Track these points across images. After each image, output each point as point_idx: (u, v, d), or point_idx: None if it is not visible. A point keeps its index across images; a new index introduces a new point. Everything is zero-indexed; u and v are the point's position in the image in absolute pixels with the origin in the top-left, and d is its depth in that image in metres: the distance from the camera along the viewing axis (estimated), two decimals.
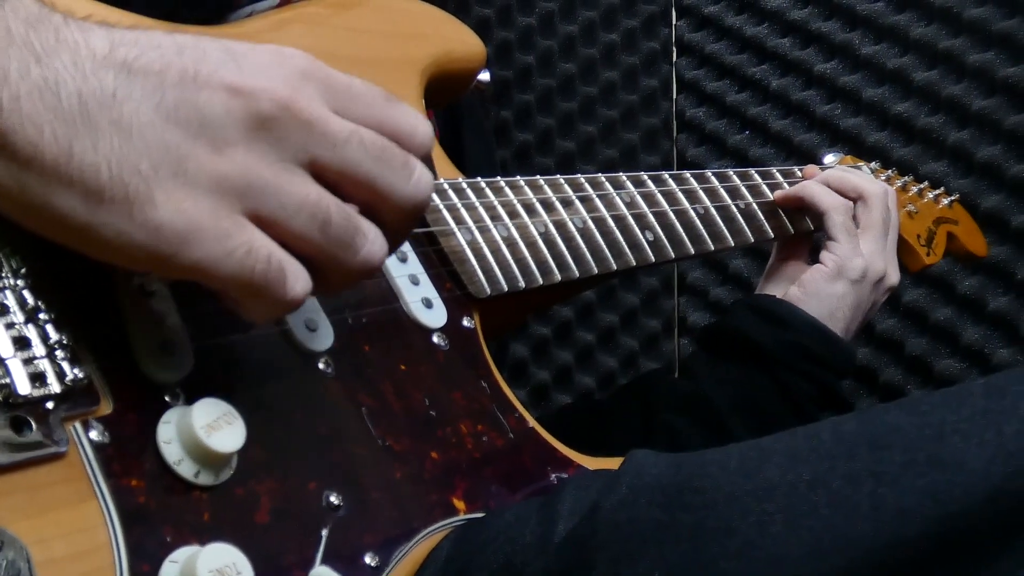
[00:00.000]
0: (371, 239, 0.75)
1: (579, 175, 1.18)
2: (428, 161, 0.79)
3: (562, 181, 1.16)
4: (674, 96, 2.09)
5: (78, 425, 0.70)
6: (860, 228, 1.36)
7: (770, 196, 1.38)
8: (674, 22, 2.09)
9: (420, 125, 0.78)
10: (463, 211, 1.05)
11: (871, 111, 1.87)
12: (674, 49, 2.09)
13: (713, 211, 1.28)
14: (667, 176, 1.27)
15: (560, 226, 1.11)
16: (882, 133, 1.85)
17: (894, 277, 1.38)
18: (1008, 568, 0.69)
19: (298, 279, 0.71)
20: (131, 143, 0.66)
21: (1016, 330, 1.69)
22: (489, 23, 2.11)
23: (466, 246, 1.02)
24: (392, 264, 0.97)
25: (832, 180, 1.40)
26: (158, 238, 0.66)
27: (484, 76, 1.29)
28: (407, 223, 0.79)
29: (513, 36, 2.11)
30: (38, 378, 0.69)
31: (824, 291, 1.31)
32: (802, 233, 1.41)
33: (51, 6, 0.67)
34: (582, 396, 2.06)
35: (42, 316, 0.71)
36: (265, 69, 0.72)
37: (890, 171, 1.56)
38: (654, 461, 0.84)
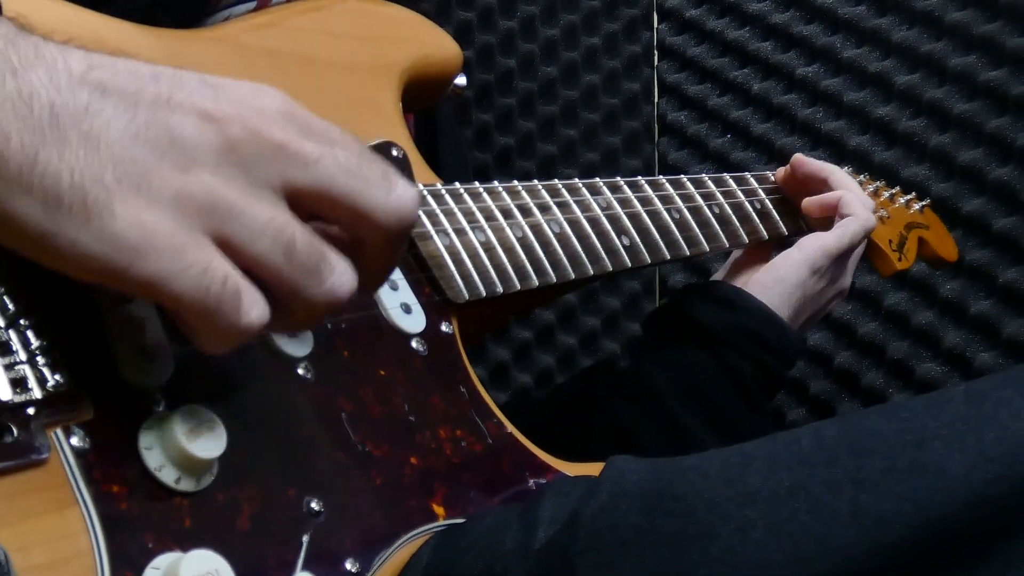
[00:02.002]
0: (338, 271, 0.72)
1: (556, 180, 1.19)
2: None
3: (539, 187, 1.16)
4: (656, 99, 2.09)
5: (59, 431, 0.70)
6: None
7: (744, 201, 1.38)
8: (655, 25, 2.09)
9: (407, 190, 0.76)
10: (441, 216, 1.05)
11: (853, 114, 1.87)
12: (656, 53, 2.10)
13: (688, 216, 1.29)
14: (643, 181, 1.27)
15: (537, 231, 1.11)
16: (864, 136, 1.85)
17: (847, 283, 1.41)
18: (989, 574, 0.70)
19: (254, 305, 0.69)
20: (97, 155, 0.65)
21: (998, 334, 1.69)
22: (470, 27, 2.11)
23: (444, 251, 1.03)
24: None
25: (833, 176, 1.44)
26: (113, 248, 0.65)
27: (461, 80, 1.29)
28: (390, 244, 0.76)
29: (494, 40, 2.11)
30: (19, 383, 0.69)
31: (792, 278, 1.32)
32: (776, 238, 1.41)
33: (30, 28, 0.67)
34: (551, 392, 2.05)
35: (23, 322, 0.71)
36: (240, 100, 0.71)
37: (862, 176, 1.57)
38: (635, 468, 0.84)
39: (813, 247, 1.34)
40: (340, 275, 0.72)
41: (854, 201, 1.40)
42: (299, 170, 0.70)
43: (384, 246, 0.76)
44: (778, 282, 1.31)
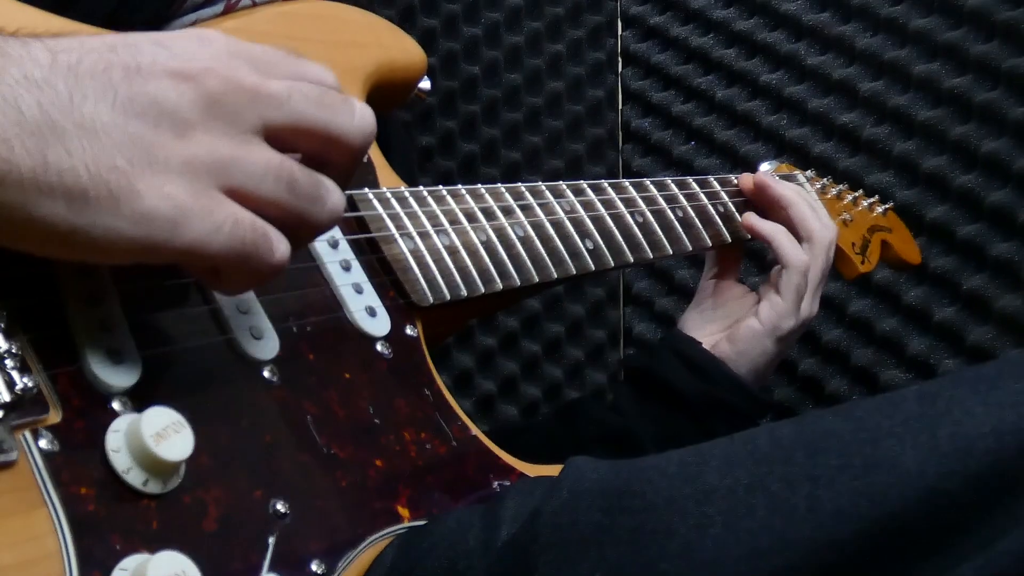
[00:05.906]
0: (332, 189, 0.79)
1: (520, 184, 1.19)
2: None
3: (503, 190, 1.17)
4: (620, 106, 2.09)
5: (27, 434, 0.71)
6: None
7: (707, 204, 1.40)
8: (619, 32, 2.10)
9: (326, 73, 0.82)
10: (405, 219, 1.06)
11: (817, 122, 1.87)
12: (620, 59, 2.10)
13: (651, 219, 1.30)
14: (606, 184, 1.29)
15: (501, 235, 1.12)
16: (828, 144, 1.85)
17: (814, 312, 1.43)
18: (943, 566, 0.71)
19: (281, 241, 0.75)
20: (100, 142, 0.68)
21: (962, 341, 1.69)
22: (434, 34, 2.11)
23: (408, 255, 1.03)
24: (336, 273, 0.98)
25: (792, 209, 1.43)
26: (150, 226, 0.69)
27: (425, 84, 1.30)
28: (356, 160, 0.82)
29: (458, 47, 2.12)
30: None
31: (754, 350, 1.39)
32: (739, 240, 1.43)
33: None
34: (526, 408, 2.06)
35: None
36: (196, 51, 0.74)
37: (825, 179, 1.58)
38: (594, 467, 0.85)
39: (770, 318, 1.39)
40: (334, 193, 0.79)
41: (815, 226, 1.42)
42: (274, 110, 0.76)
43: (351, 162, 0.82)
44: (742, 354, 1.40)
